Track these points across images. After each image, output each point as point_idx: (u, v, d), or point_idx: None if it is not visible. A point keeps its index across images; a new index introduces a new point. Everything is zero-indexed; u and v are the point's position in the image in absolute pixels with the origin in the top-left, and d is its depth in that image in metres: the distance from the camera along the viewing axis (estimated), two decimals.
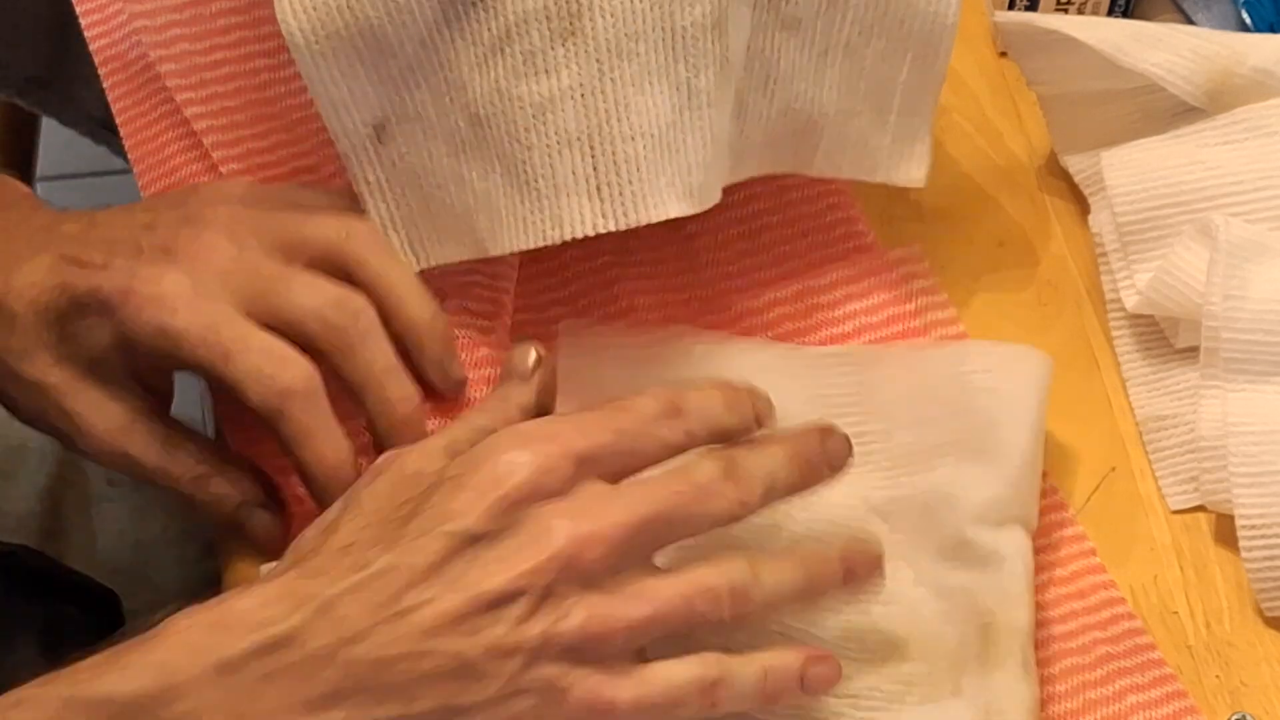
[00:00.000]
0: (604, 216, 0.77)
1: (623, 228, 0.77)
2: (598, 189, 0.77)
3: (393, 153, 0.80)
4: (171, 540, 0.98)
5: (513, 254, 0.82)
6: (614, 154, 0.76)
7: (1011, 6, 0.96)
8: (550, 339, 0.83)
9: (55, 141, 1.42)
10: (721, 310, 0.87)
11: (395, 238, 0.81)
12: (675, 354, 0.83)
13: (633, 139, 0.76)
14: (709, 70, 0.77)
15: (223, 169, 0.88)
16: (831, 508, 0.79)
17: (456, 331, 0.83)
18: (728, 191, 0.81)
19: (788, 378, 0.82)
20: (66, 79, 1.21)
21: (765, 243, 0.89)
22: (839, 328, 0.86)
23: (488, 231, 0.79)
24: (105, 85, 0.92)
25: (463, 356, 0.83)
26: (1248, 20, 0.96)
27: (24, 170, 1.34)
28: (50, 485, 0.99)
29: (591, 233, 0.77)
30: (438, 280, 0.82)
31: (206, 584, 0.96)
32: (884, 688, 0.75)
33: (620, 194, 0.76)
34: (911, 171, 0.86)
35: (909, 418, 0.80)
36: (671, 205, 0.77)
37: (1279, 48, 0.87)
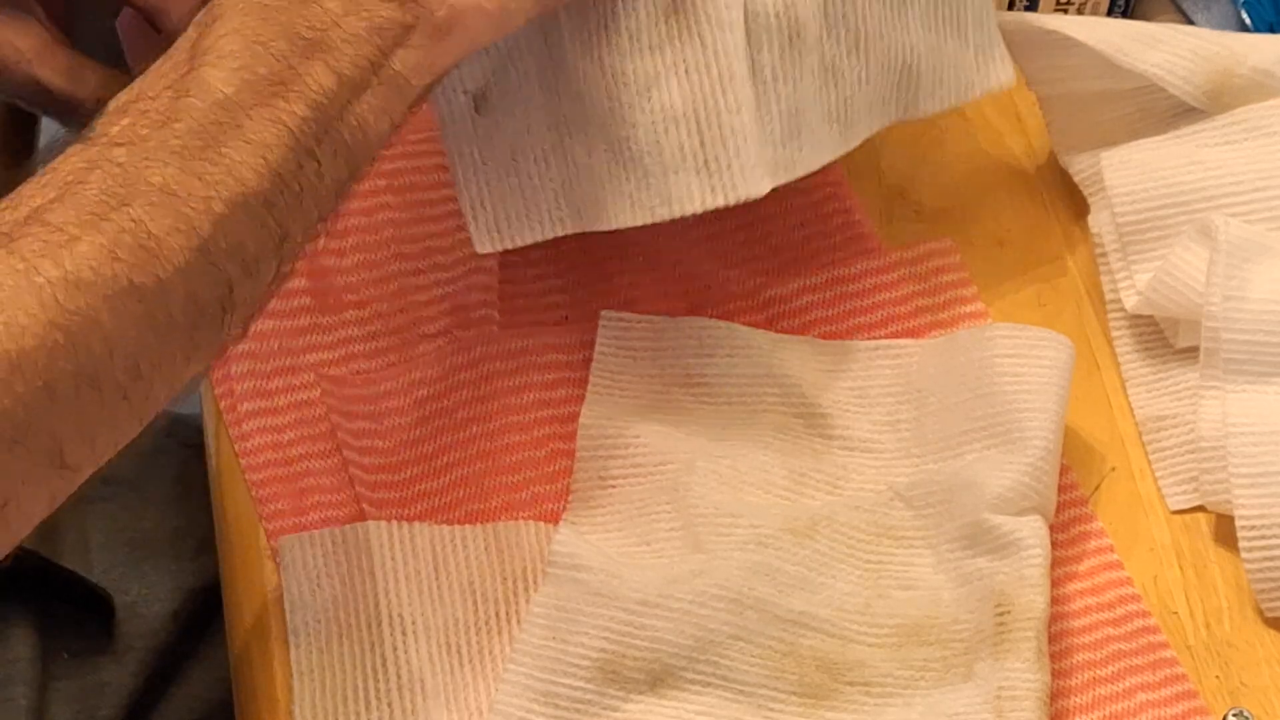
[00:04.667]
0: (712, 191, 0.77)
1: (731, 203, 0.77)
2: (705, 164, 0.77)
3: (491, 123, 0.80)
4: (165, 538, 0.98)
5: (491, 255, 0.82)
6: (720, 128, 0.77)
7: (1011, 6, 0.96)
8: (549, 326, 0.84)
9: (55, 141, 1.42)
10: (746, 298, 0.87)
11: (486, 213, 0.81)
12: (712, 346, 0.84)
13: (739, 111, 0.77)
14: (773, 46, 0.78)
15: None
16: (858, 493, 0.80)
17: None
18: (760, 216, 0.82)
19: (827, 371, 0.84)
20: None
21: (762, 234, 0.89)
22: (867, 316, 0.87)
23: (589, 206, 0.79)
24: None
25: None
26: (1247, 20, 0.96)
27: (24, 170, 1.33)
28: None
29: (700, 209, 0.77)
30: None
31: (201, 582, 0.96)
32: (897, 673, 0.75)
33: (728, 168, 0.77)
34: (1000, 75, 0.86)
35: (938, 404, 0.82)
36: (766, 180, 0.78)
37: (1278, 48, 0.87)
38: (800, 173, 0.80)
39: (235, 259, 0.66)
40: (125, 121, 0.66)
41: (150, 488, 0.99)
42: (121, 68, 0.88)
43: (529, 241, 0.81)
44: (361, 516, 0.81)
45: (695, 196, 0.77)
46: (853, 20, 0.81)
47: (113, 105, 0.67)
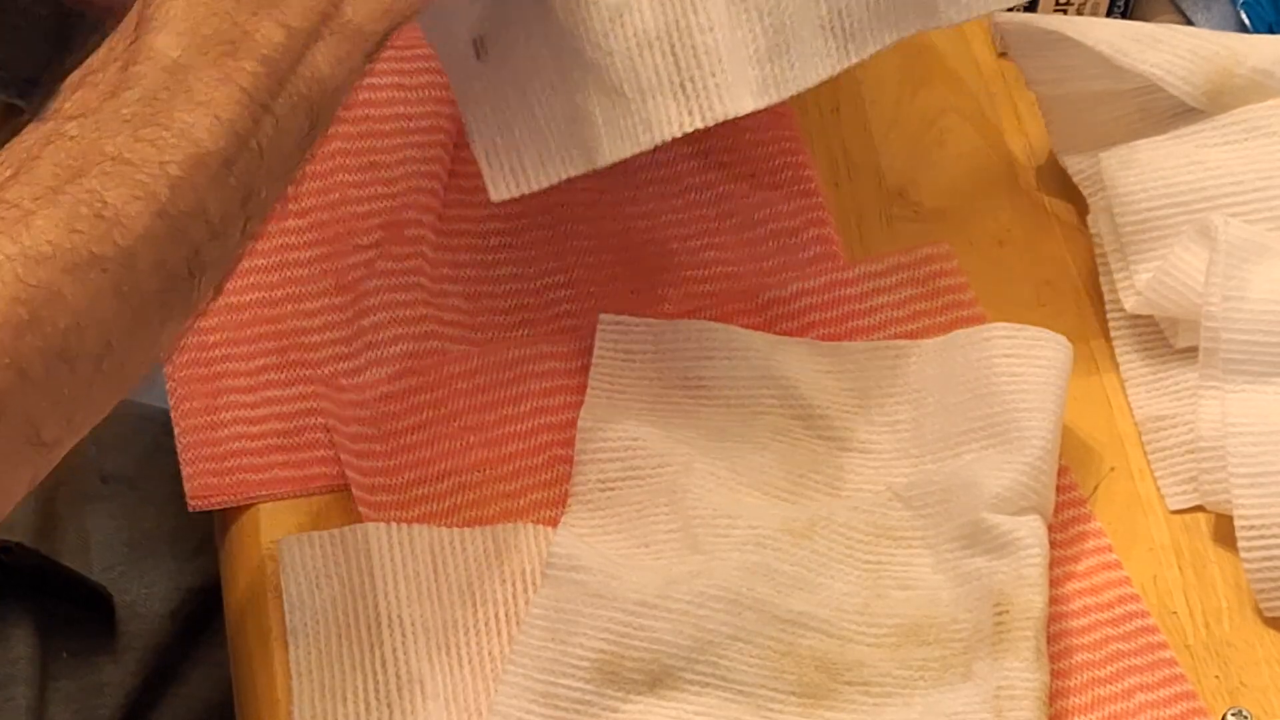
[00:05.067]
0: (690, 114, 0.76)
1: (710, 123, 0.76)
2: (681, 86, 0.76)
3: (495, 66, 0.79)
4: (164, 538, 0.98)
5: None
6: (694, 47, 0.76)
7: (1011, 7, 0.96)
8: (552, 323, 0.84)
9: None
10: (744, 300, 0.87)
11: (499, 159, 0.80)
12: (710, 348, 0.84)
13: (711, 29, 0.76)
14: None
15: None
16: (856, 493, 0.80)
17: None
18: (733, 193, 0.81)
19: (825, 372, 0.84)
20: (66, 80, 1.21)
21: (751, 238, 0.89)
22: (865, 320, 0.87)
23: (593, 142, 0.78)
24: None
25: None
26: (1246, 21, 0.96)
27: None
28: (43, 482, 0.98)
29: (679, 133, 0.76)
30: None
31: (200, 581, 0.96)
32: (896, 673, 0.75)
33: (705, 88, 0.76)
34: None
35: (936, 404, 0.82)
36: (746, 99, 0.76)
37: (1278, 48, 0.87)
38: (795, 89, 0.78)
39: (198, 221, 0.66)
40: (77, 95, 0.66)
41: (149, 487, 0.99)
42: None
43: (544, 184, 0.80)
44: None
45: (674, 119, 0.76)
46: None
47: (67, 83, 0.67)
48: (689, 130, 0.76)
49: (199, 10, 0.67)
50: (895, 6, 0.81)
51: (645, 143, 0.76)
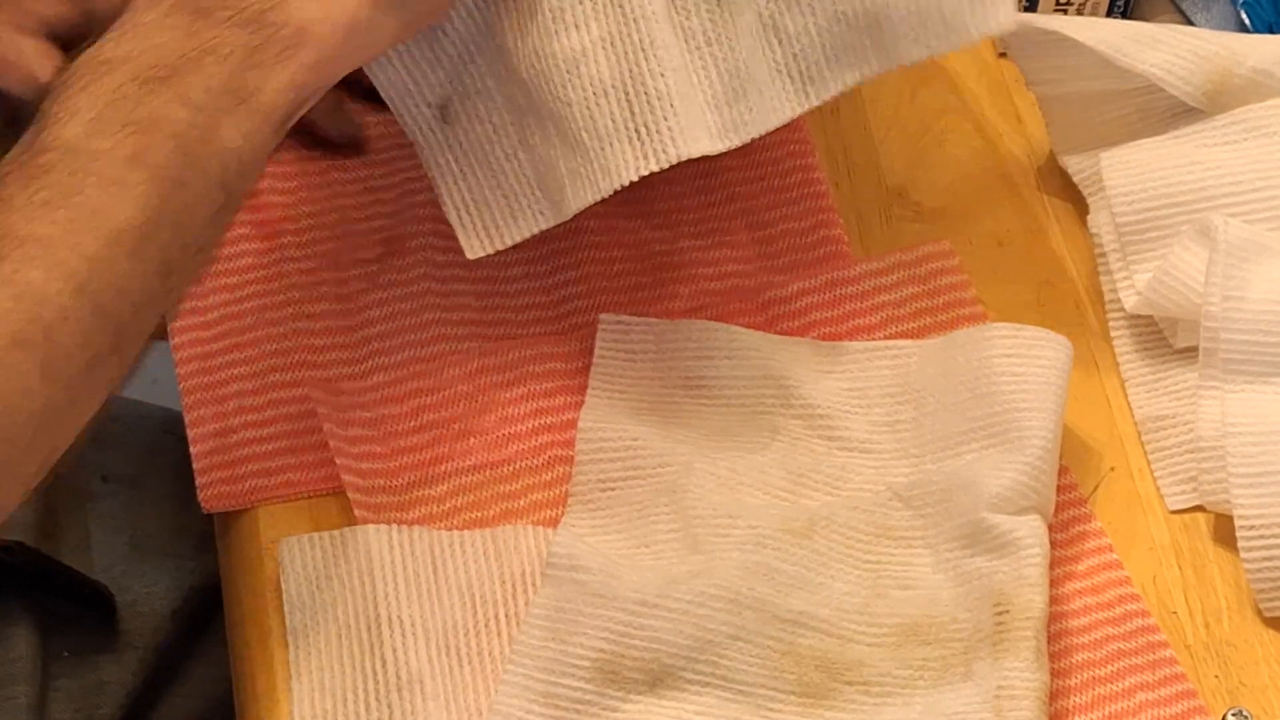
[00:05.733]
0: (644, 158, 0.78)
1: (664, 166, 0.77)
2: (636, 132, 0.78)
3: (459, 131, 0.81)
4: (165, 537, 0.98)
5: None
6: (647, 93, 0.77)
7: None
8: (563, 320, 0.84)
9: None
10: (745, 299, 0.87)
11: (471, 219, 0.82)
12: (711, 348, 0.84)
13: (662, 75, 0.77)
14: (699, 10, 0.79)
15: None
16: (856, 493, 0.80)
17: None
18: (743, 194, 0.82)
19: (826, 372, 0.84)
20: None
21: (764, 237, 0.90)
22: (866, 318, 0.87)
23: (558, 194, 0.80)
24: None
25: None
26: (1246, 21, 0.96)
27: None
28: (43, 482, 0.99)
29: (635, 177, 0.78)
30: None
31: (201, 580, 0.96)
32: (896, 673, 0.75)
33: (658, 131, 0.78)
34: (1000, 16, 0.81)
35: (937, 404, 0.82)
36: (703, 141, 0.78)
37: (1278, 48, 0.87)
38: (756, 132, 0.80)
39: (119, 297, 0.68)
40: None
41: (150, 485, 0.99)
42: None
43: (517, 240, 0.82)
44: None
45: (630, 164, 0.78)
46: None
47: None
48: (645, 174, 0.78)
49: (102, 98, 0.69)
50: (852, 48, 0.81)
51: (605, 189, 0.78)
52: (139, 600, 0.96)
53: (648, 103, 0.77)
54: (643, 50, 0.77)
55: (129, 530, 0.98)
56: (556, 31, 0.78)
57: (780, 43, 0.81)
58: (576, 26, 0.77)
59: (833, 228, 0.89)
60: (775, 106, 0.81)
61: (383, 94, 0.81)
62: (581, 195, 0.79)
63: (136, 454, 1.01)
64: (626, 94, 0.77)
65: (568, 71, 0.78)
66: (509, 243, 0.82)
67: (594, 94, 0.78)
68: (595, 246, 0.89)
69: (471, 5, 0.80)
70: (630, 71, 0.77)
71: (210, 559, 0.87)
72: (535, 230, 0.82)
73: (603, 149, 0.78)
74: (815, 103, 0.82)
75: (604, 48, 0.78)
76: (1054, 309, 0.88)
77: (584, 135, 0.78)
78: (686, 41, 0.79)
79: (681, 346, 0.84)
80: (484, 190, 0.82)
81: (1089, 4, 0.96)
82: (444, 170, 0.82)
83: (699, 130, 0.78)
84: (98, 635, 0.95)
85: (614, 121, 0.78)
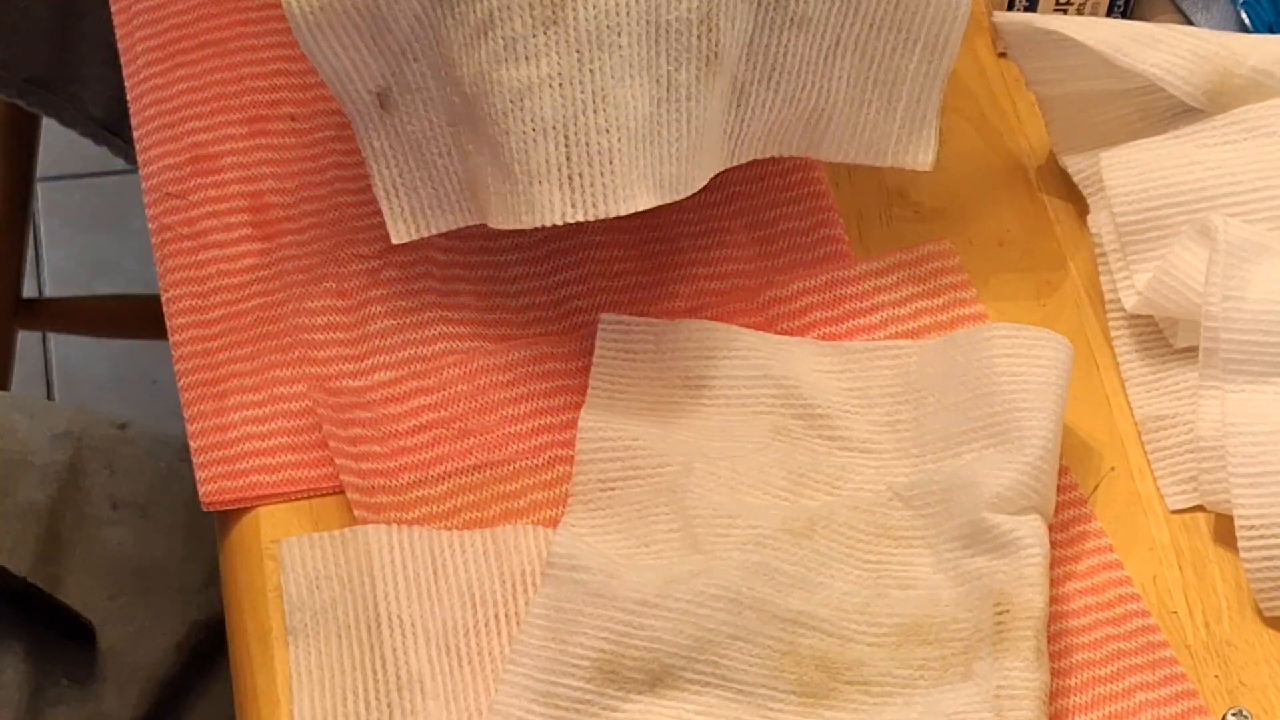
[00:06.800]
0: (573, 206, 0.78)
1: (591, 218, 0.78)
2: (569, 179, 0.78)
3: (396, 120, 0.82)
4: (173, 567, 0.98)
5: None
6: (588, 145, 0.78)
7: (1011, 7, 0.96)
8: (563, 320, 0.84)
9: (55, 141, 1.43)
10: (745, 299, 0.88)
11: (399, 203, 0.83)
12: (711, 348, 0.84)
13: (607, 131, 0.78)
14: (691, 65, 0.78)
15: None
16: (856, 493, 0.80)
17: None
18: (743, 193, 0.82)
19: (826, 372, 0.84)
20: (66, 80, 1.21)
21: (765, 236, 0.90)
22: (866, 318, 0.87)
23: (485, 204, 0.81)
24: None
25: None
26: (1246, 21, 0.96)
27: (24, 170, 1.34)
28: (50, 505, 0.98)
29: (560, 222, 0.78)
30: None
31: (206, 615, 0.96)
32: (896, 672, 0.76)
33: (591, 185, 0.78)
34: (919, 155, 0.86)
35: (937, 404, 0.82)
36: (642, 197, 0.78)
37: (1278, 48, 0.87)
38: (688, 191, 0.80)
39: None
40: None
41: (160, 514, 0.99)
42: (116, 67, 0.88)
43: (442, 229, 0.83)
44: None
45: (556, 208, 0.78)
46: (774, 53, 0.82)
47: None
48: (571, 221, 0.78)
49: None
50: (788, 131, 0.84)
51: (527, 223, 0.79)
52: (143, 630, 0.96)
53: (586, 154, 0.77)
54: (592, 101, 0.77)
55: (136, 559, 0.98)
56: (506, 59, 0.77)
57: (738, 108, 0.82)
58: (528, 59, 0.77)
59: (833, 227, 0.89)
60: (709, 166, 0.81)
61: (321, 74, 0.81)
62: (505, 220, 0.79)
63: (148, 481, 1.01)
64: (566, 139, 0.78)
65: (511, 101, 0.78)
66: (433, 231, 0.83)
67: (533, 130, 0.78)
68: (595, 246, 0.89)
69: (418, 10, 0.79)
70: (575, 118, 0.77)
71: (216, 593, 0.86)
72: (462, 224, 0.83)
73: (531, 185, 0.78)
74: (730, 164, 0.83)
75: (551, 86, 0.77)
76: (1054, 309, 0.88)
77: (515, 167, 0.78)
78: (669, 93, 0.78)
79: (681, 346, 0.85)
80: (414, 178, 0.82)
81: (1089, 4, 0.96)
82: (376, 152, 0.82)
83: (640, 187, 0.78)
84: (98, 664, 0.94)
85: (548, 163, 0.78)
